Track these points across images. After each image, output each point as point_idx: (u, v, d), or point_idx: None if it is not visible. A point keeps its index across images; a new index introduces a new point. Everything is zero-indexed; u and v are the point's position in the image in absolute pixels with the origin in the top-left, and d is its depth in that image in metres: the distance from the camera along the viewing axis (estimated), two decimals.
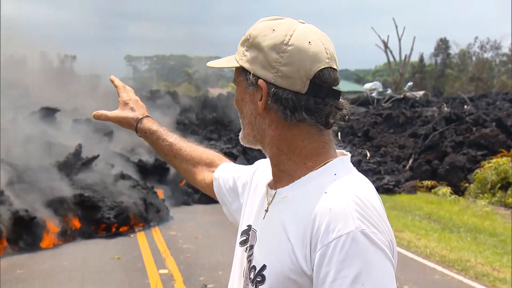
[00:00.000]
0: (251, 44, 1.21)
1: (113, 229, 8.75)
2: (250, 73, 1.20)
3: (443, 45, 44.16)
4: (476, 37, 46.51)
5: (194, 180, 1.65)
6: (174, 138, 1.66)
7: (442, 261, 7.16)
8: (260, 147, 1.27)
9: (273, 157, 1.24)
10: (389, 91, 26.26)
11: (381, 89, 26.12)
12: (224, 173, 1.55)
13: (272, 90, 1.17)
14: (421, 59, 43.66)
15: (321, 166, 1.19)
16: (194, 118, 16.25)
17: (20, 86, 12.75)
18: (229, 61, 1.26)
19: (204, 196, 11.75)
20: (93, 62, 15.99)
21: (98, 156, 10.02)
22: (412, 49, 36.66)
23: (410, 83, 29.38)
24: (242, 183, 1.48)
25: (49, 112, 11.61)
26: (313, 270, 1.09)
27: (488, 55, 44.76)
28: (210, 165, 1.62)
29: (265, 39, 1.19)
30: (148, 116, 1.67)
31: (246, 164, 1.63)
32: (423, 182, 13.37)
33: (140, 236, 8.59)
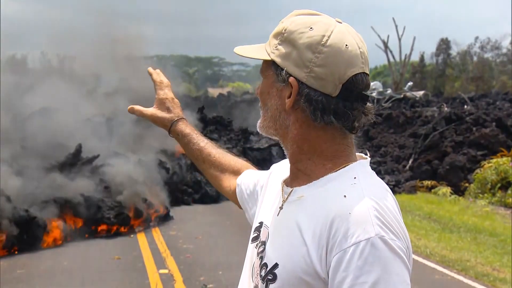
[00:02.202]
0: (286, 39, 1.18)
1: (113, 229, 8.75)
2: (282, 68, 1.17)
3: (444, 45, 44.13)
4: (477, 37, 46.44)
5: (220, 187, 1.64)
6: (205, 143, 1.65)
7: (442, 261, 7.16)
8: (279, 140, 1.26)
9: (292, 155, 1.23)
10: (389, 91, 26.27)
11: (381, 89, 26.12)
12: (246, 179, 1.54)
13: (305, 90, 1.15)
14: (422, 58, 43.65)
15: (341, 168, 1.18)
16: (194, 118, 16.25)
17: (20, 85, 12.75)
18: (259, 52, 1.23)
19: (204, 196, 11.76)
20: (93, 62, 15.96)
21: (98, 156, 10.01)
22: (412, 49, 36.72)
23: (410, 83, 29.38)
24: (260, 186, 1.47)
25: (49, 112, 11.60)
26: (327, 273, 1.08)
27: (488, 55, 44.77)
28: (237, 172, 1.60)
29: (301, 37, 1.16)
30: (183, 118, 1.66)
31: None
32: (423, 182, 13.37)
33: (140, 236, 8.59)
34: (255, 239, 1.29)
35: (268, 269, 1.17)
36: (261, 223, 1.30)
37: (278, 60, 1.18)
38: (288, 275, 1.12)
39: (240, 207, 1.59)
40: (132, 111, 1.66)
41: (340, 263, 1.05)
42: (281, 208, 1.23)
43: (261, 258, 1.21)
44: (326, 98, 1.15)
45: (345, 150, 1.20)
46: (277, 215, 1.23)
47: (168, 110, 1.63)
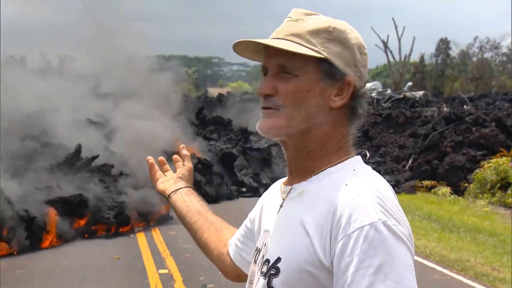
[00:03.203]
0: (334, 38, 1.19)
1: (113, 229, 8.75)
2: (333, 66, 1.19)
3: (443, 45, 44.11)
4: (476, 37, 46.44)
5: (214, 246, 1.56)
6: (209, 209, 1.65)
7: (442, 261, 7.16)
8: (284, 140, 1.23)
9: (309, 152, 1.22)
10: (388, 91, 26.29)
11: (380, 89, 26.15)
12: (236, 235, 1.53)
13: (359, 89, 1.21)
14: (422, 59, 43.65)
15: (340, 162, 1.21)
16: (194, 118, 16.25)
17: (20, 85, 12.74)
18: (298, 47, 1.18)
19: (203, 196, 11.69)
20: (92, 62, 15.97)
21: (98, 156, 10.01)
22: (411, 49, 36.74)
23: (409, 83, 29.43)
24: (252, 221, 1.46)
25: (49, 112, 11.60)
26: (332, 262, 1.09)
27: (488, 55, 44.76)
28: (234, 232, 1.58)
29: (351, 37, 1.20)
30: None
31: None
32: (423, 182, 13.37)
33: (140, 236, 8.59)
34: (254, 258, 1.30)
35: (270, 264, 1.17)
36: (258, 237, 1.33)
37: (332, 58, 1.19)
38: (292, 268, 1.13)
39: (234, 276, 1.55)
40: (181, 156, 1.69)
41: (345, 248, 1.06)
42: (281, 206, 1.25)
43: (262, 257, 1.22)
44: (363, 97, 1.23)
45: (350, 147, 1.25)
46: (277, 213, 1.25)
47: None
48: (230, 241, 1.54)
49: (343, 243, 1.07)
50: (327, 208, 1.11)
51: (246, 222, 1.50)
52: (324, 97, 1.19)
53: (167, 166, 1.73)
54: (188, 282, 6.18)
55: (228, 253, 1.53)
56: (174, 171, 1.70)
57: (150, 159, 1.71)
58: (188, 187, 1.64)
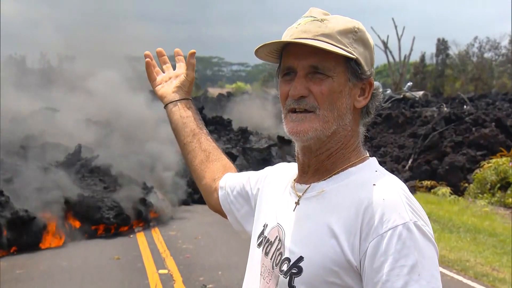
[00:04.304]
0: (359, 38, 1.19)
1: (113, 229, 8.75)
2: (359, 66, 1.19)
3: (441, 46, 44.09)
4: (476, 37, 46.43)
5: (203, 175, 1.57)
6: (206, 130, 1.63)
7: (442, 261, 7.16)
8: (307, 143, 1.21)
9: (331, 153, 1.22)
10: (388, 91, 26.29)
11: (380, 89, 26.13)
12: (231, 181, 1.52)
13: (375, 89, 1.23)
14: (422, 59, 43.62)
15: (359, 162, 1.21)
16: None
17: (19, 85, 12.75)
18: (339, 49, 1.16)
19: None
20: (92, 62, 15.97)
21: (97, 156, 10.01)
22: (411, 49, 36.74)
23: (409, 83, 29.42)
24: (250, 187, 1.45)
25: (49, 112, 11.60)
26: (360, 261, 1.09)
27: (487, 55, 44.73)
28: (225, 167, 1.57)
29: (369, 38, 1.22)
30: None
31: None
32: (423, 182, 13.37)
33: (140, 236, 8.59)
34: (261, 244, 1.29)
35: (291, 263, 1.17)
36: (265, 225, 1.30)
37: (360, 58, 1.19)
38: (316, 267, 1.13)
39: (215, 209, 1.57)
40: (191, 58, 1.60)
41: (378, 247, 1.07)
42: (297, 203, 1.23)
43: (280, 254, 1.21)
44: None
45: (361, 146, 1.25)
46: (293, 211, 1.23)
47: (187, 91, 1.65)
48: (222, 183, 1.53)
49: (375, 243, 1.07)
50: (355, 208, 1.12)
51: (244, 181, 1.48)
52: (351, 97, 1.20)
53: (166, 58, 1.67)
54: (188, 282, 6.18)
55: (216, 191, 1.53)
56: (174, 68, 1.65)
57: (148, 55, 1.64)
58: (187, 99, 1.62)
